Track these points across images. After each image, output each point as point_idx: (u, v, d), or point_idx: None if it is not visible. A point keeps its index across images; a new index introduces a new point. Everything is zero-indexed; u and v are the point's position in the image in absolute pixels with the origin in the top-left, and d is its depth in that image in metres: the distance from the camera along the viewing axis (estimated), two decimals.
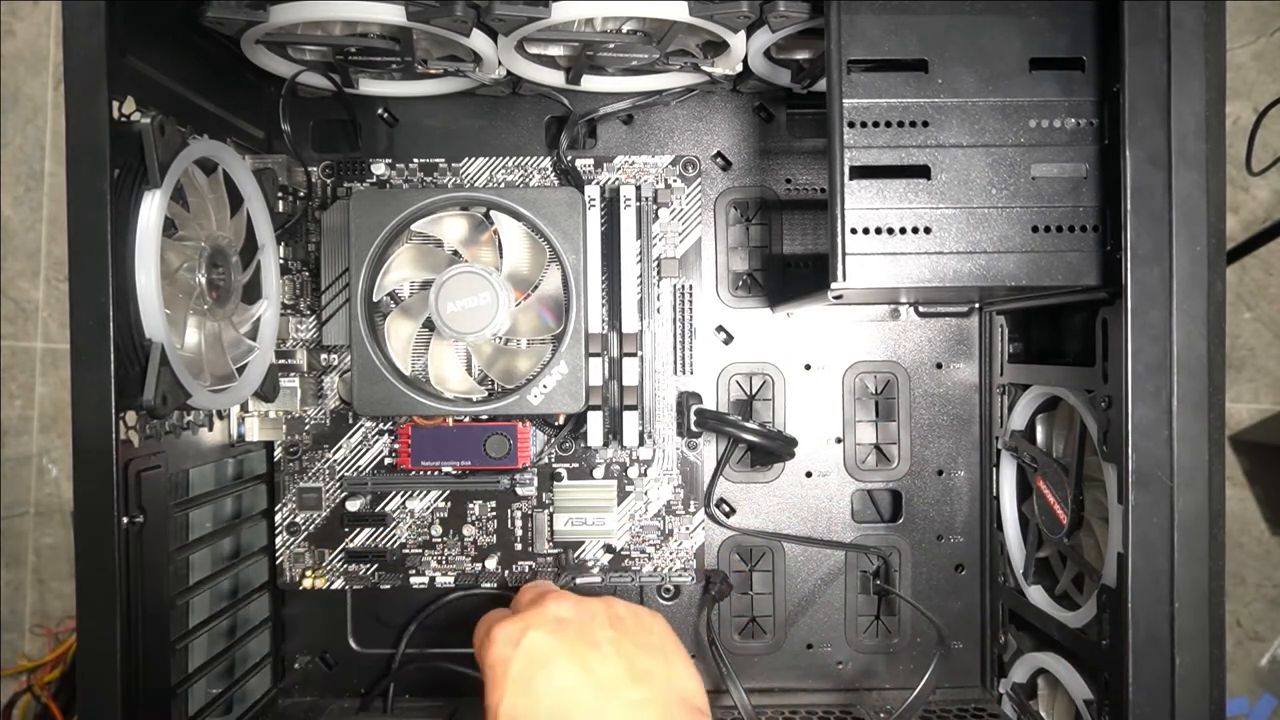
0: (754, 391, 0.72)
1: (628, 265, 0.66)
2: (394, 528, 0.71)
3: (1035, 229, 0.52)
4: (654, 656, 0.52)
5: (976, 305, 0.72)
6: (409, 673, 0.72)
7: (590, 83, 0.67)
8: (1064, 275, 0.52)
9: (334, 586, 0.71)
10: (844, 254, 0.52)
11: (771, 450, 0.70)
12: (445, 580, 0.71)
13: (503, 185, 0.71)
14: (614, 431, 0.67)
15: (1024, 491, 0.68)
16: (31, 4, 1.39)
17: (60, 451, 1.38)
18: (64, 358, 1.38)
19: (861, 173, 0.52)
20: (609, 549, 0.71)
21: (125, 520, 0.50)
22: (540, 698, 0.49)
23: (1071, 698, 0.59)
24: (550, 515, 0.71)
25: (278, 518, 0.71)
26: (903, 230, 0.52)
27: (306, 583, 0.71)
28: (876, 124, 0.53)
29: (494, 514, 0.71)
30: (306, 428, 0.71)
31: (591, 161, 0.71)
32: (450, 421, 0.68)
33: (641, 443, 0.67)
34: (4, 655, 1.34)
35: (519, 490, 0.70)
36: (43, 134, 1.39)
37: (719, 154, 0.72)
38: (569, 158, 0.70)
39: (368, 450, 0.71)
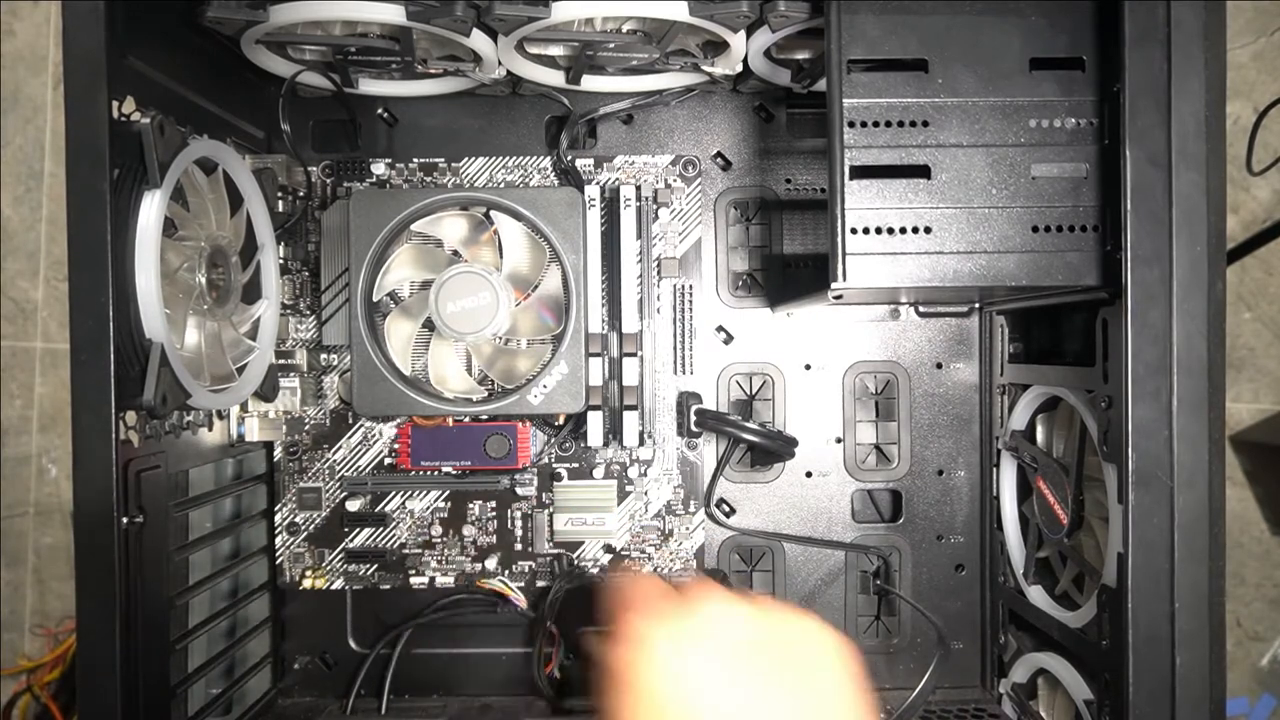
0: (754, 391, 0.72)
1: (628, 265, 0.66)
2: (394, 528, 0.71)
3: (1035, 229, 0.52)
4: None
5: (976, 305, 0.72)
6: (407, 673, 0.72)
7: (590, 82, 0.67)
8: (1064, 275, 0.52)
9: (334, 587, 0.71)
10: (844, 254, 0.52)
11: (771, 450, 0.70)
12: (445, 580, 0.71)
13: (502, 185, 0.71)
14: (614, 431, 0.67)
15: (1024, 491, 0.68)
16: (31, 4, 1.39)
17: (60, 451, 1.38)
18: (64, 358, 1.37)
19: (861, 173, 0.52)
20: (609, 549, 0.71)
21: (125, 520, 0.50)
22: None
23: (1072, 698, 0.59)
24: (550, 515, 0.71)
25: (278, 518, 0.71)
26: (903, 230, 0.52)
27: (306, 583, 0.71)
28: (876, 124, 0.53)
29: (494, 514, 0.71)
30: (306, 428, 0.71)
31: (591, 161, 0.71)
32: (450, 421, 0.68)
33: (641, 443, 0.67)
34: (4, 655, 1.34)
35: (519, 490, 0.70)
36: (43, 134, 1.39)
37: (719, 154, 0.72)
38: (569, 157, 0.70)
39: (368, 450, 0.71)
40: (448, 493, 0.71)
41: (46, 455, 1.37)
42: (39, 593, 1.36)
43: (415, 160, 0.71)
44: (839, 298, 0.62)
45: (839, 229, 0.52)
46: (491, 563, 0.71)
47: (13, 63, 1.38)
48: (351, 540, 0.71)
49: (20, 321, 1.38)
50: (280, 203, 0.69)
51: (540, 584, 0.71)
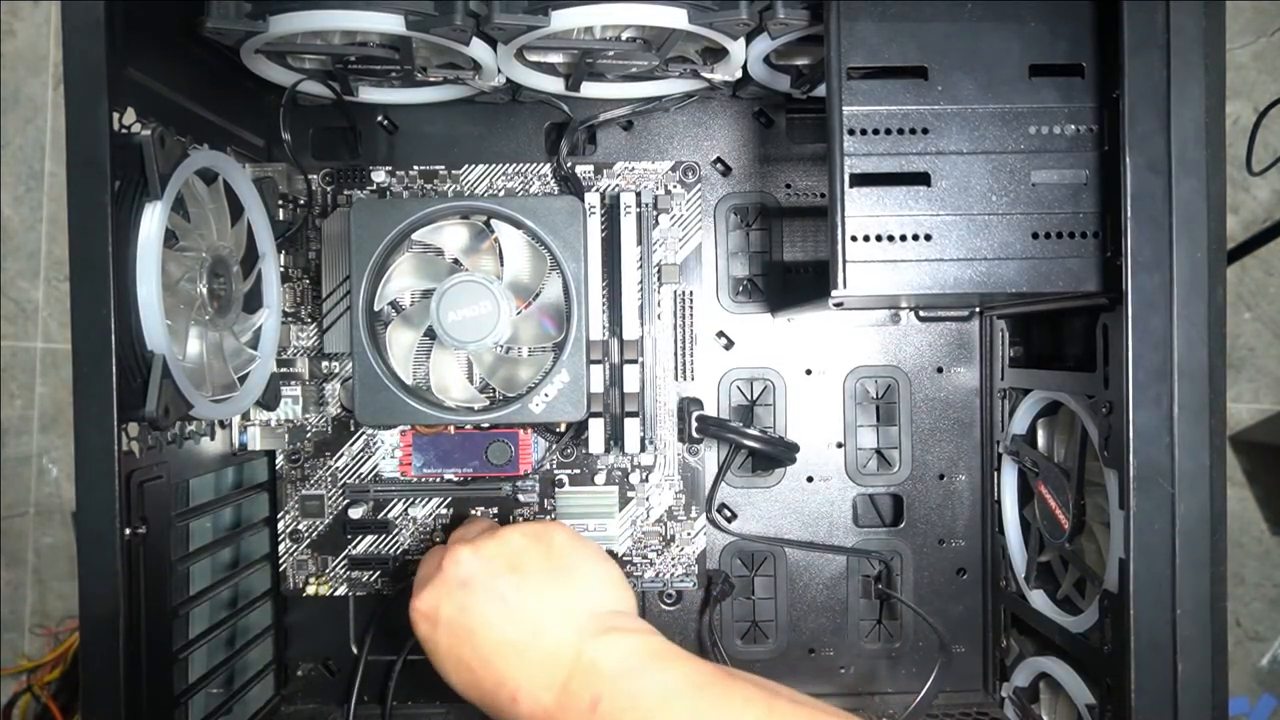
0: (755, 397, 0.72)
1: (628, 272, 0.66)
2: (396, 535, 0.71)
3: (1035, 235, 0.52)
4: (562, 582, 0.54)
5: (977, 310, 0.72)
6: (411, 679, 0.72)
7: (590, 89, 0.67)
8: (1065, 282, 0.52)
9: (337, 593, 0.71)
10: (844, 261, 0.52)
11: (773, 455, 0.70)
12: None
13: (503, 192, 0.71)
14: (615, 438, 0.67)
15: (1025, 496, 0.68)
16: (31, 4, 1.39)
17: (60, 451, 1.38)
18: (64, 357, 1.37)
19: (861, 180, 0.52)
20: (611, 554, 0.71)
21: (128, 532, 0.50)
22: (476, 668, 0.52)
23: (1074, 702, 0.59)
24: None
25: (280, 525, 0.71)
26: (903, 237, 0.52)
27: (310, 590, 0.71)
28: (876, 131, 0.53)
29: (496, 520, 0.71)
30: (308, 435, 0.71)
31: (591, 168, 0.71)
32: (452, 429, 0.68)
33: (643, 449, 0.67)
34: (4, 655, 1.34)
35: (521, 497, 0.71)
36: (43, 134, 1.38)
37: (719, 159, 0.72)
38: (569, 164, 0.70)
39: (369, 457, 0.71)
40: (450, 499, 0.71)
41: (47, 455, 1.37)
42: (39, 593, 1.36)
43: (415, 167, 0.71)
44: (839, 305, 0.62)
45: (839, 237, 0.52)
46: None
47: (13, 63, 1.37)
48: (354, 547, 0.71)
49: (21, 321, 1.38)
50: (281, 211, 0.69)
51: None
